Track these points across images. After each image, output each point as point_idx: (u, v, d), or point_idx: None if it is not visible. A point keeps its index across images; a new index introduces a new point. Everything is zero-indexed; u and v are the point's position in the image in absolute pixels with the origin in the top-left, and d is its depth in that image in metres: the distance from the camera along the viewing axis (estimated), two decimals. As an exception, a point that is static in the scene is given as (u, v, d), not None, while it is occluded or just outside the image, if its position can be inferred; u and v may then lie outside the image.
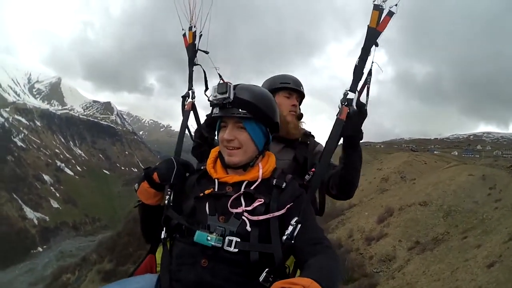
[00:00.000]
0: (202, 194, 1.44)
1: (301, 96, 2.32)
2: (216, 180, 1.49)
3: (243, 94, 1.45)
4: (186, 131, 2.18)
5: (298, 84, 2.27)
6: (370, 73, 1.61)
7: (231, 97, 1.41)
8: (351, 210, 30.93)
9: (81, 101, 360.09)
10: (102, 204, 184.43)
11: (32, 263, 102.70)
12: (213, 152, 1.63)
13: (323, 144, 1.92)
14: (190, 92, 2.09)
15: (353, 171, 1.83)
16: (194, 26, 2.07)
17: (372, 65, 1.60)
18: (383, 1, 1.56)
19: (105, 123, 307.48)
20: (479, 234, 16.38)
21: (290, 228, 1.32)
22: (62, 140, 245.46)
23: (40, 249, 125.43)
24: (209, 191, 1.45)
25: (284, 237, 1.31)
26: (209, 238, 1.31)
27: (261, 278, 1.24)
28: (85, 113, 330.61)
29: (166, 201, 1.51)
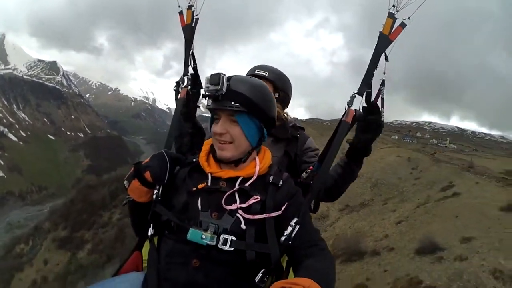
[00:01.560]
0: (195, 189, 1.36)
1: (280, 90, 2.08)
2: (209, 175, 1.41)
3: (237, 86, 1.35)
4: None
5: (277, 78, 2.06)
6: (383, 83, 1.60)
7: (224, 89, 1.32)
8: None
9: (25, 60, 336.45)
10: (49, 171, 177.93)
11: None
12: (206, 145, 1.53)
13: (312, 139, 2.06)
14: (185, 78, 1.94)
15: (349, 182, 1.84)
16: (194, 6, 1.93)
17: (384, 76, 1.58)
18: (397, 11, 1.54)
19: (51, 84, 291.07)
20: (397, 202, 20.97)
21: (290, 229, 1.27)
22: (5, 102, 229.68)
23: None
24: (203, 185, 1.37)
25: (283, 238, 1.26)
26: (203, 236, 1.24)
27: (257, 279, 1.21)
28: (29, 73, 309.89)
29: (154, 196, 1.41)
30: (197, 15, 1.93)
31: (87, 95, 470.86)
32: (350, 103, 1.59)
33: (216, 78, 1.32)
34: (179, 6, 1.93)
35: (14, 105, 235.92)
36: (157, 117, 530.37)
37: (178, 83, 1.92)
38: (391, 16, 1.55)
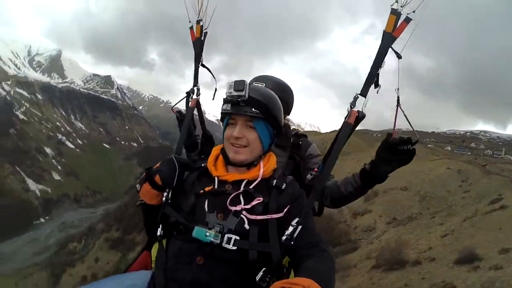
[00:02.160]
0: (202, 191, 1.43)
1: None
2: (216, 178, 1.48)
3: (255, 94, 1.44)
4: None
5: (275, 87, 1.90)
6: (398, 101, 1.54)
7: (247, 95, 1.39)
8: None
9: (81, 74, 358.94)
10: (103, 177, 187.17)
11: (35, 233, 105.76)
12: (215, 150, 1.61)
13: (315, 146, 2.13)
14: (195, 88, 2.04)
15: (358, 198, 1.86)
16: (202, 20, 2.02)
17: (398, 93, 1.55)
18: (401, 6, 1.50)
19: (106, 97, 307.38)
20: (444, 216, 20.44)
21: (291, 228, 1.30)
22: (63, 113, 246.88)
23: (42, 220, 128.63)
24: (209, 188, 1.43)
25: (284, 238, 1.30)
26: (207, 234, 1.30)
27: (257, 278, 1.25)
28: (86, 86, 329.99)
29: (164, 199, 1.50)
30: (206, 29, 2.04)
31: (140, 107, 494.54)
32: (352, 104, 1.59)
33: (241, 85, 1.40)
34: (189, 22, 2.06)
35: (72, 116, 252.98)
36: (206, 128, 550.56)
37: (188, 94, 2.06)
38: (394, 12, 1.53)
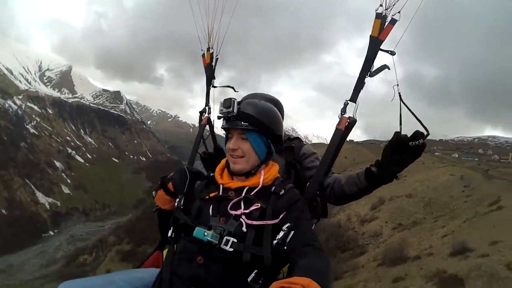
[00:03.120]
0: (207, 197, 1.56)
1: None
2: (221, 185, 1.61)
3: (247, 108, 1.58)
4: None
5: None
6: (400, 96, 1.55)
7: (235, 111, 1.54)
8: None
9: (91, 89, 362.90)
10: (112, 191, 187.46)
11: (44, 246, 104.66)
12: (223, 161, 1.75)
13: (309, 146, 2.20)
14: (206, 108, 2.27)
15: (363, 196, 1.86)
16: (212, 48, 2.23)
17: (398, 89, 1.54)
18: (386, 9, 1.53)
19: (115, 112, 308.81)
20: (447, 219, 21.47)
21: (281, 233, 1.36)
22: (73, 127, 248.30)
23: (51, 233, 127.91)
24: (214, 194, 1.57)
25: (275, 242, 1.36)
26: (206, 233, 1.39)
27: (249, 278, 1.31)
28: (95, 101, 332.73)
29: (176, 204, 1.64)
30: (216, 55, 2.23)
31: (148, 122, 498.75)
32: (343, 111, 1.62)
33: (228, 102, 1.55)
34: (201, 50, 2.25)
35: (82, 130, 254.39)
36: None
37: (201, 112, 2.25)
38: (379, 16, 1.55)
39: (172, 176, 1.70)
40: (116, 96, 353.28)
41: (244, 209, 1.48)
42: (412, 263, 12.56)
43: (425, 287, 9.66)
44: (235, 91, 2.24)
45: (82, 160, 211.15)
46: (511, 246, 10.49)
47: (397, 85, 1.54)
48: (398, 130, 1.56)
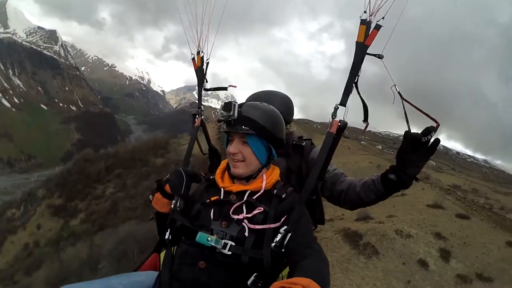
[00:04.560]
0: (208, 201, 1.53)
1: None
2: (222, 189, 1.58)
3: (248, 112, 1.54)
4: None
5: (282, 103, 2.09)
6: (400, 95, 1.55)
7: (235, 115, 1.51)
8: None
9: (25, 25, 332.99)
10: (39, 141, 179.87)
11: None
12: (223, 163, 1.71)
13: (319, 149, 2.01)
14: (199, 110, 2.21)
15: (379, 202, 1.82)
16: (202, 51, 2.19)
17: (397, 88, 1.55)
18: (370, 15, 1.55)
19: (48, 53, 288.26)
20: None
21: (279, 236, 1.36)
22: (1, 67, 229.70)
23: None
24: (215, 198, 1.53)
25: (273, 245, 1.35)
26: (209, 239, 1.38)
27: (249, 282, 1.30)
28: (28, 39, 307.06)
29: (172, 205, 1.60)
30: (207, 59, 2.22)
31: (82, 68, 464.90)
32: (334, 115, 1.61)
33: (228, 106, 1.53)
34: (191, 54, 2.24)
35: (10, 71, 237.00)
36: (150, 98, 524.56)
37: (194, 115, 2.20)
38: (363, 22, 1.57)
39: (169, 178, 1.69)
40: (52, 35, 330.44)
41: (246, 213, 1.47)
42: (326, 224, 15.80)
43: (334, 237, 12.55)
44: (227, 88, 2.18)
45: (8, 105, 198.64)
46: (402, 220, 14.35)
47: (395, 85, 1.56)
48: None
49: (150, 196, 1.70)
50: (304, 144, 2.06)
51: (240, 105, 1.57)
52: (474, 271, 12.52)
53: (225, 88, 2.19)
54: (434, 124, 1.50)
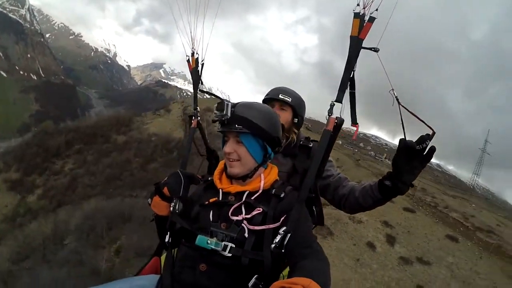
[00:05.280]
0: (207, 203, 1.52)
1: (298, 116, 2.20)
2: (220, 190, 1.58)
3: (241, 111, 1.53)
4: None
5: (297, 104, 2.17)
6: (397, 100, 1.54)
7: (228, 114, 1.50)
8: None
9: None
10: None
11: None
12: (221, 164, 1.72)
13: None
14: (195, 111, 2.22)
15: (377, 207, 1.85)
16: (197, 53, 2.21)
17: (395, 93, 1.52)
18: (363, 8, 1.51)
19: (13, 16, 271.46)
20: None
21: (278, 237, 1.34)
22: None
23: None
24: (214, 199, 1.53)
25: (273, 246, 1.34)
26: (209, 241, 1.38)
27: (250, 284, 1.29)
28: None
29: (171, 208, 1.59)
30: (202, 61, 2.23)
31: (47, 35, 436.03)
32: (330, 112, 1.59)
33: (221, 106, 1.53)
34: (186, 56, 2.25)
35: None
36: (114, 73, 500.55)
37: (190, 117, 2.23)
38: (357, 16, 1.54)
39: (167, 180, 1.68)
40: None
41: (245, 214, 1.46)
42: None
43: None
44: (222, 98, 1.90)
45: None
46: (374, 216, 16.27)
47: (393, 89, 1.53)
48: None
49: (149, 200, 1.70)
50: (311, 145, 2.09)
51: (234, 105, 1.58)
52: (415, 255, 14.67)
53: (219, 97, 1.91)
54: (430, 132, 1.50)
